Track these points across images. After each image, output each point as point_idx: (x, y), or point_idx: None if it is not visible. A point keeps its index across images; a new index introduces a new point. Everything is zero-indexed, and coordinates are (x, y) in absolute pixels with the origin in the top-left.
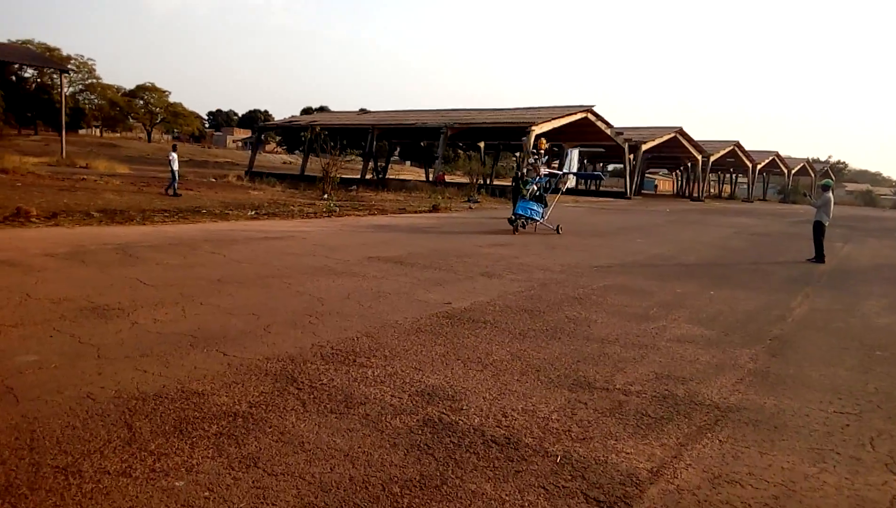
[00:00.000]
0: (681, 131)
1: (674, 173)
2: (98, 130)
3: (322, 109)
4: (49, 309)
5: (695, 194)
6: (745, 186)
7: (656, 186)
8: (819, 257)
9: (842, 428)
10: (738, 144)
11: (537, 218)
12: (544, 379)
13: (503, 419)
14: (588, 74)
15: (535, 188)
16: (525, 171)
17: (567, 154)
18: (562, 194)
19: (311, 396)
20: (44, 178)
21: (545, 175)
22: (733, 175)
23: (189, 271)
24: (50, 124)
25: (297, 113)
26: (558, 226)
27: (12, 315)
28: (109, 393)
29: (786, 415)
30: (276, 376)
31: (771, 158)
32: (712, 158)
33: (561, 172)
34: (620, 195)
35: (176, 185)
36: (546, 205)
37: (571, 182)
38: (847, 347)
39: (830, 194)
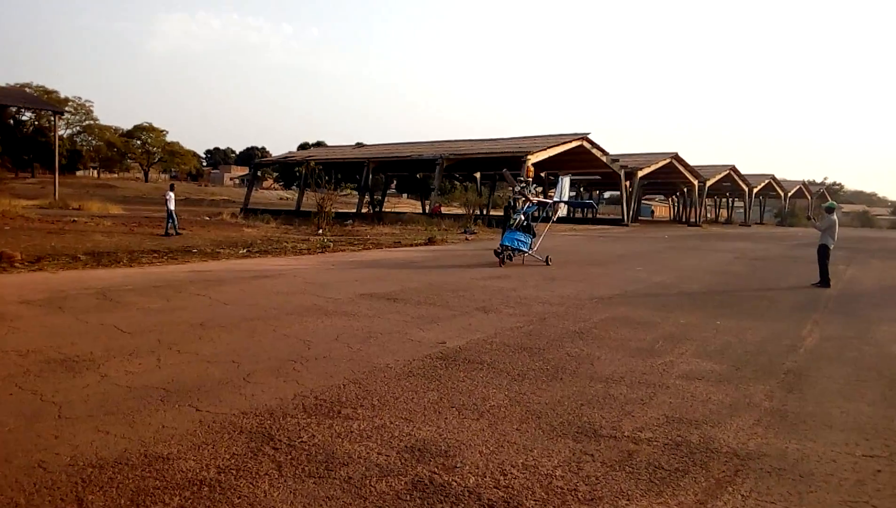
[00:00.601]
0: (676, 157)
1: (670, 199)
2: (96, 172)
3: (319, 144)
4: (14, 363)
5: (692, 219)
6: (742, 210)
7: (653, 211)
8: (824, 282)
9: (874, 475)
10: (733, 169)
11: (525, 249)
12: (546, 427)
13: (501, 477)
14: (582, 101)
15: (522, 219)
16: (513, 200)
17: (559, 182)
18: (553, 222)
19: (289, 457)
20: (33, 221)
21: (534, 204)
22: (730, 199)
23: (170, 316)
24: (47, 167)
25: (295, 149)
26: (547, 257)
27: None
28: (64, 461)
29: (811, 461)
30: (251, 433)
31: (767, 181)
32: (708, 183)
33: (551, 201)
34: (618, 222)
35: (175, 224)
36: (534, 235)
37: (563, 211)
38: (865, 378)
39: (835, 217)
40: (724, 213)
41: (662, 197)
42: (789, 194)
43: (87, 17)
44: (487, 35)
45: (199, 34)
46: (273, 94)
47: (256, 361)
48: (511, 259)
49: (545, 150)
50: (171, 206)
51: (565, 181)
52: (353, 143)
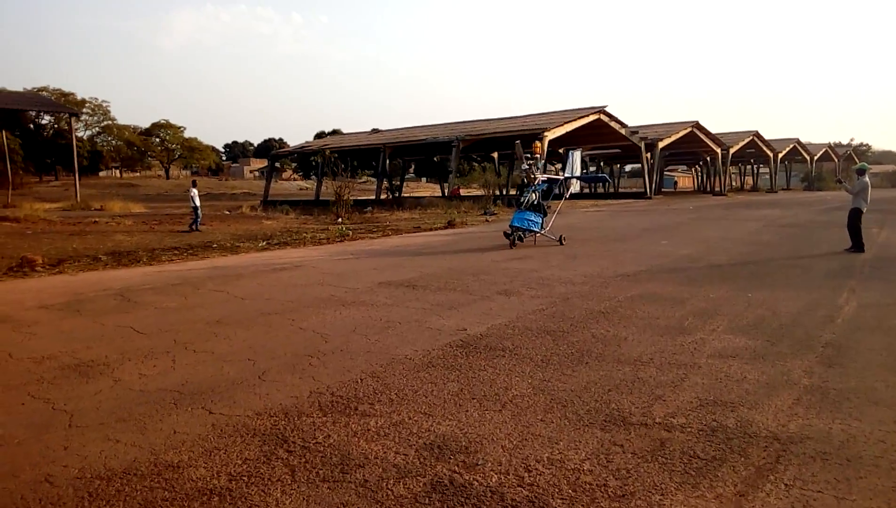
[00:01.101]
0: (697, 125)
1: (693, 169)
2: (118, 171)
3: (335, 133)
4: (28, 370)
5: (717, 189)
6: (768, 177)
7: (676, 182)
8: (858, 246)
9: None
10: (757, 134)
11: (536, 229)
12: (572, 416)
13: (526, 474)
14: (598, 73)
15: (534, 197)
16: (525, 179)
17: (568, 157)
18: (566, 199)
19: (303, 460)
20: (55, 223)
21: (543, 181)
22: (754, 166)
23: (187, 314)
24: (69, 169)
25: (311, 138)
26: (561, 236)
27: None
28: (72, 473)
29: (858, 443)
30: (265, 436)
31: (792, 145)
32: (732, 151)
33: (562, 177)
34: (640, 196)
35: (196, 220)
36: (546, 214)
37: (576, 187)
38: None
39: (867, 179)
40: (749, 180)
41: (685, 168)
42: (815, 158)
43: (98, 17)
44: (499, 12)
45: (210, 28)
46: (287, 84)
47: (272, 357)
48: (522, 240)
49: (562, 125)
50: (197, 202)
51: (576, 156)
52: (369, 129)
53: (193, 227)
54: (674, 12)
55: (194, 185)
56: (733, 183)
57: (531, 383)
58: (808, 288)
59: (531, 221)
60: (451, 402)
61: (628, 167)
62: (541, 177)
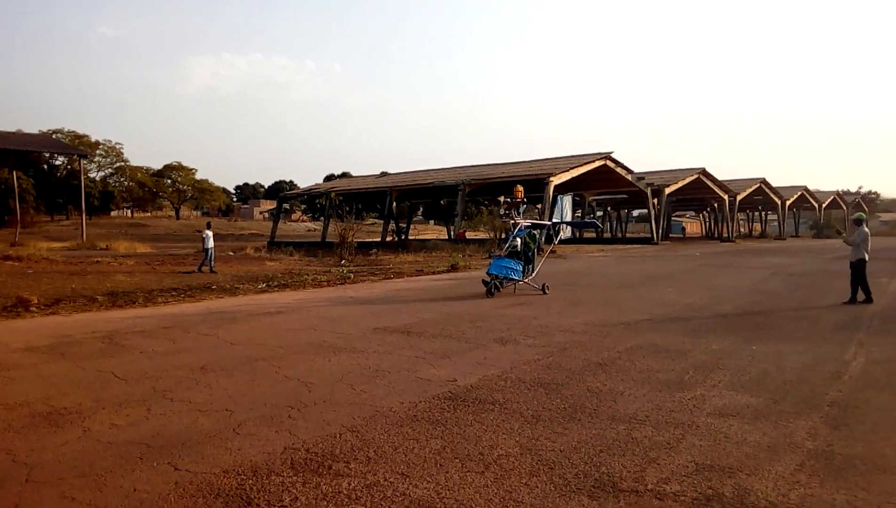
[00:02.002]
0: (704, 172)
1: (701, 215)
2: (129, 211)
3: (344, 175)
4: None
5: (725, 235)
6: (776, 223)
7: (684, 228)
8: (867, 297)
9: None
10: (764, 182)
11: (515, 277)
12: (558, 480)
13: None
14: (604, 121)
15: (518, 243)
16: (511, 225)
17: (558, 202)
18: (555, 245)
19: None
20: (57, 263)
21: (525, 227)
22: (762, 213)
23: (172, 359)
24: (80, 209)
25: (321, 180)
26: (544, 285)
27: None
28: None
29: None
30: (228, 497)
31: (799, 193)
32: (739, 197)
33: (548, 223)
34: (647, 241)
35: (205, 262)
36: (532, 261)
37: (567, 232)
38: None
39: (866, 228)
40: (757, 227)
41: (693, 213)
42: (824, 205)
43: (121, 65)
44: (506, 59)
45: (226, 75)
46: (299, 128)
47: (251, 408)
48: (499, 289)
49: (567, 171)
50: (209, 244)
51: (565, 201)
52: (378, 172)
53: (201, 268)
54: (678, 61)
55: (208, 226)
56: (741, 229)
57: (518, 441)
58: (814, 341)
59: (510, 268)
60: (431, 462)
61: (636, 212)
62: (522, 222)
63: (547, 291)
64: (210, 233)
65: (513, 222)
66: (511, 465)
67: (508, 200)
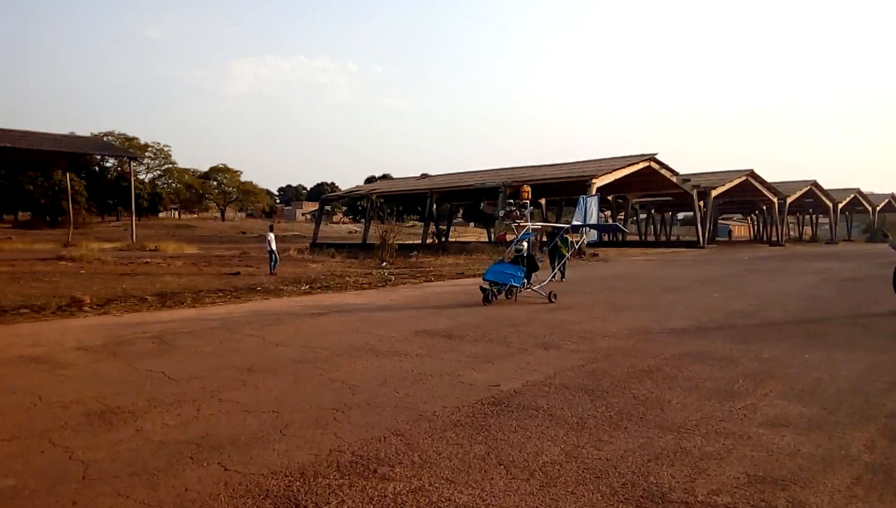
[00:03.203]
0: (752, 174)
1: (749, 218)
2: (177, 213)
3: (385, 177)
4: (54, 416)
5: (773, 239)
6: (828, 227)
7: (731, 231)
8: None
9: None
10: (815, 184)
11: (516, 284)
12: (605, 490)
13: None
14: (648, 122)
15: (525, 246)
16: (514, 228)
17: (580, 203)
18: (576, 250)
19: None
20: (108, 263)
21: (532, 230)
22: (813, 216)
23: (220, 360)
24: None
25: (362, 182)
26: (551, 293)
27: (12, 425)
28: None
29: None
30: (276, 498)
31: (852, 195)
32: (789, 200)
33: (565, 226)
34: (693, 245)
35: (272, 264)
36: (536, 268)
37: (592, 236)
38: None
39: None
40: (807, 230)
41: (740, 216)
42: (878, 208)
43: (169, 67)
44: (548, 58)
45: (270, 77)
46: (342, 130)
47: (297, 410)
48: (496, 296)
49: (610, 173)
50: (273, 246)
51: (590, 202)
52: (419, 174)
53: (273, 271)
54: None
55: (271, 229)
56: (791, 233)
57: (563, 448)
58: (869, 349)
59: (510, 275)
60: (475, 467)
61: (680, 215)
62: (532, 225)
63: (554, 299)
64: (273, 236)
65: (515, 224)
66: (556, 473)
67: (511, 201)
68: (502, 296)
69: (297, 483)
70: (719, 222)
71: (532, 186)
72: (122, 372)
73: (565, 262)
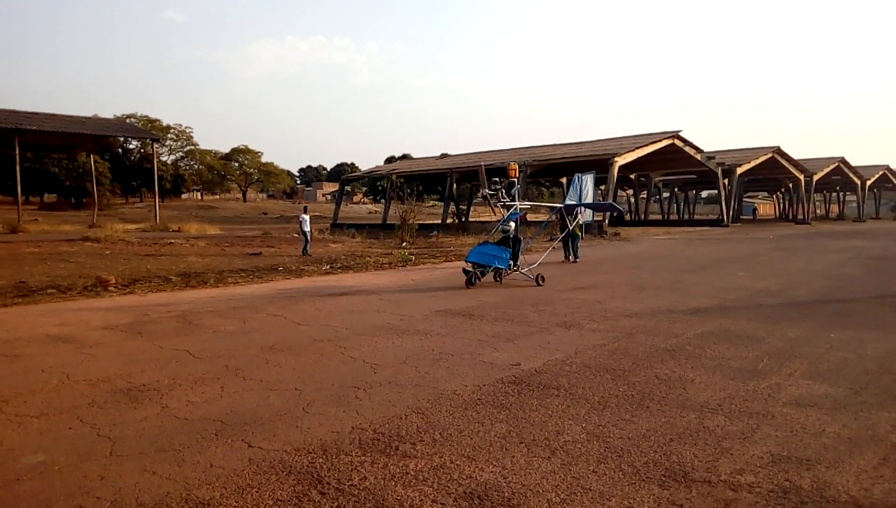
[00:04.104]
0: (779, 151)
1: (774, 196)
2: (199, 194)
3: (404, 157)
4: (81, 394)
5: (799, 217)
6: (855, 205)
7: (756, 210)
8: None
9: None
10: (843, 161)
11: (500, 265)
12: (627, 469)
13: None
14: (671, 100)
15: (511, 227)
16: (501, 207)
17: (575, 181)
18: (570, 231)
19: (335, 504)
20: (132, 244)
21: (519, 210)
22: (840, 193)
23: (243, 338)
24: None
25: (382, 162)
26: (538, 276)
27: (41, 403)
28: (103, 506)
29: None
30: (300, 474)
31: (881, 172)
32: (816, 177)
33: (559, 206)
34: (717, 223)
35: (306, 245)
36: (520, 249)
37: (587, 216)
38: None
39: None
40: (834, 208)
41: (766, 194)
42: None
43: (189, 49)
44: (570, 38)
45: (289, 58)
46: (361, 110)
47: (319, 388)
48: (479, 280)
49: (633, 151)
50: (307, 227)
51: (585, 180)
52: (439, 154)
53: (307, 250)
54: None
55: (305, 211)
56: (818, 211)
57: (585, 427)
58: None
59: (493, 256)
60: (496, 445)
61: (704, 193)
62: (520, 205)
63: (542, 282)
64: (307, 217)
65: (502, 204)
66: (578, 451)
67: (497, 179)
68: (488, 278)
69: (320, 459)
70: (744, 200)
71: (552, 166)
72: (148, 351)
73: (578, 242)
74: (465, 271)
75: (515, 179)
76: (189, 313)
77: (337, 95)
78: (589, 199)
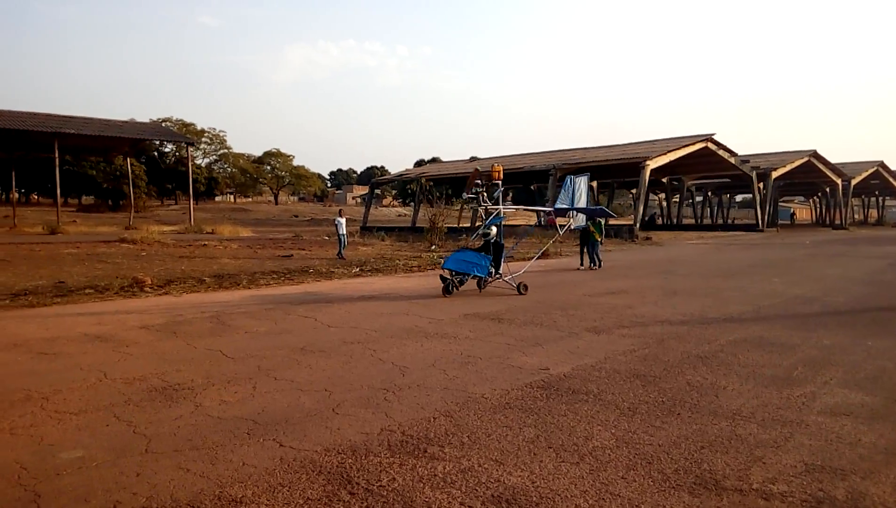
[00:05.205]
0: (815, 155)
1: (811, 200)
2: (232, 197)
3: (434, 161)
4: (118, 392)
5: (837, 222)
6: (895, 210)
7: (793, 214)
8: None
9: None
10: (882, 165)
11: (479, 273)
12: (657, 476)
13: None
14: (704, 103)
15: (493, 233)
16: (482, 212)
17: (567, 183)
18: (561, 235)
19: (364, 505)
20: (167, 246)
21: (499, 216)
22: (880, 198)
23: (275, 340)
24: (188, 194)
25: (411, 166)
26: (520, 285)
27: (79, 400)
28: (139, 502)
29: None
30: (330, 474)
31: None
32: (854, 182)
33: (547, 209)
34: (751, 228)
35: (340, 249)
36: (501, 256)
37: (580, 220)
38: None
39: None
40: (873, 213)
41: (802, 198)
42: None
43: (223, 53)
44: (597, 36)
45: (321, 62)
46: (391, 113)
47: (349, 389)
48: (457, 288)
49: (665, 154)
50: (342, 230)
51: (578, 182)
52: (468, 157)
53: (342, 254)
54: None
55: (340, 214)
56: (856, 216)
57: (614, 433)
58: None
59: (472, 263)
60: (525, 450)
61: (739, 197)
62: (504, 208)
63: (524, 291)
64: (342, 220)
65: (483, 207)
66: (607, 457)
67: (479, 181)
68: (469, 286)
69: (350, 460)
70: (780, 204)
71: (584, 169)
72: (182, 350)
73: (598, 248)
74: (442, 278)
75: (498, 183)
76: (222, 313)
77: (367, 99)
78: (582, 203)
